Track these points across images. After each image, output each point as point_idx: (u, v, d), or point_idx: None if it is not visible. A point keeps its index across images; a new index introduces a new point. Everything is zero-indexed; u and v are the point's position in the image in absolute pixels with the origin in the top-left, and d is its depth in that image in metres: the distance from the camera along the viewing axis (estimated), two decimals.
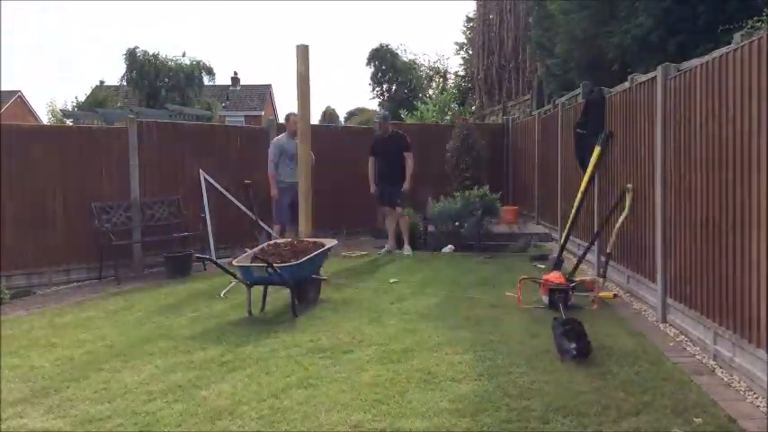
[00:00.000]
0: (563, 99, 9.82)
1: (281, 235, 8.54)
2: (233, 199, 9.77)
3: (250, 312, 5.84)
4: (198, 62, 29.40)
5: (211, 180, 9.56)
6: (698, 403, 3.60)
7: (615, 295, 6.38)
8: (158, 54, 28.36)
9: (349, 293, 6.79)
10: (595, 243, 7.51)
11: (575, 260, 8.50)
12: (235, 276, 6.28)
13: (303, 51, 7.47)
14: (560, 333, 4.47)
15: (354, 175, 11.50)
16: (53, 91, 73.29)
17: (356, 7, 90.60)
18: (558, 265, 7.24)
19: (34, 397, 4.00)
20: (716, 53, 4.69)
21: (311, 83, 7.58)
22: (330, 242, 6.68)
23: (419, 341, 4.93)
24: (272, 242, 6.90)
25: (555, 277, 5.96)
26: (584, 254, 7.01)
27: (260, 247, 6.55)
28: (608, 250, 6.66)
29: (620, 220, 6.38)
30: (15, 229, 7.77)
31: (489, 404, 3.63)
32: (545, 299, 5.88)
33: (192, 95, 28.09)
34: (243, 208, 9.87)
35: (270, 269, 5.65)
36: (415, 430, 3.35)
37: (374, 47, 36.04)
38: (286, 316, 5.88)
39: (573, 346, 4.28)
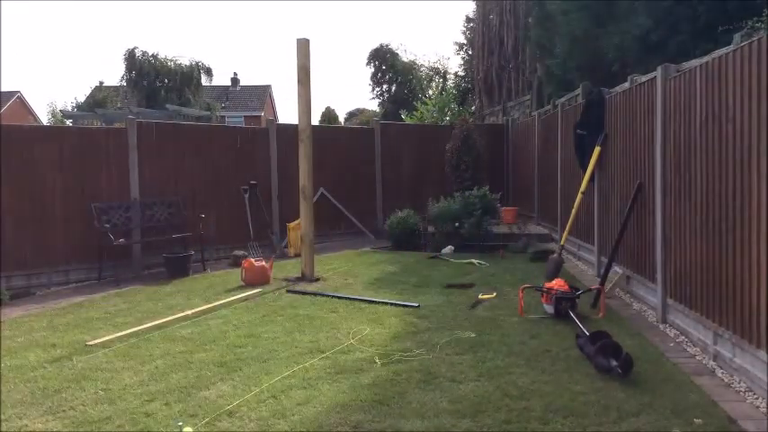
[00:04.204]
0: (563, 99, 9.82)
1: None
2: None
3: None
4: (197, 63, 29.36)
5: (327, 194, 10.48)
6: (698, 404, 3.61)
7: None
8: (158, 54, 28.34)
9: (348, 293, 6.80)
10: (595, 243, 7.52)
11: (575, 261, 8.56)
12: None
13: (304, 46, 7.54)
14: (595, 351, 4.21)
15: (354, 176, 11.54)
16: (53, 91, 73.02)
17: (356, 7, 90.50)
18: (558, 268, 7.24)
19: (34, 398, 4.00)
20: (716, 53, 4.70)
21: (311, 82, 7.59)
22: None
23: (419, 342, 4.93)
24: None
25: (558, 284, 5.73)
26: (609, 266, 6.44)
27: None
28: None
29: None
30: (15, 230, 7.77)
31: (489, 405, 3.63)
32: (548, 308, 5.65)
33: (191, 96, 28.04)
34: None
35: None
36: (415, 430, 3.36)
37: (374, 47, 36.04)
38: (286, 317, 5.88)
39: (615, 363, 4.02)
